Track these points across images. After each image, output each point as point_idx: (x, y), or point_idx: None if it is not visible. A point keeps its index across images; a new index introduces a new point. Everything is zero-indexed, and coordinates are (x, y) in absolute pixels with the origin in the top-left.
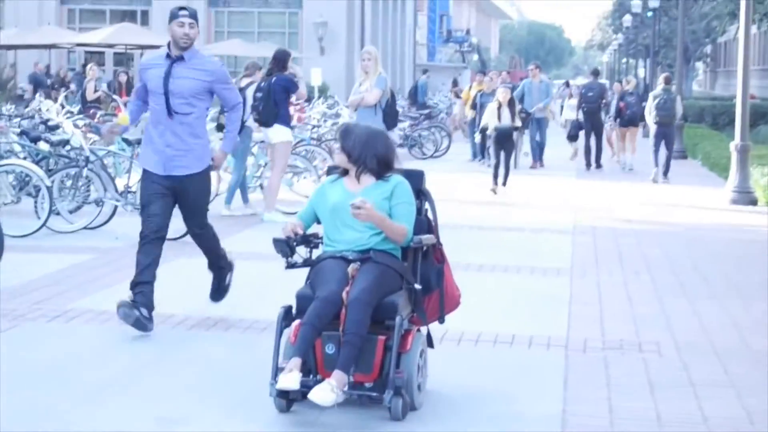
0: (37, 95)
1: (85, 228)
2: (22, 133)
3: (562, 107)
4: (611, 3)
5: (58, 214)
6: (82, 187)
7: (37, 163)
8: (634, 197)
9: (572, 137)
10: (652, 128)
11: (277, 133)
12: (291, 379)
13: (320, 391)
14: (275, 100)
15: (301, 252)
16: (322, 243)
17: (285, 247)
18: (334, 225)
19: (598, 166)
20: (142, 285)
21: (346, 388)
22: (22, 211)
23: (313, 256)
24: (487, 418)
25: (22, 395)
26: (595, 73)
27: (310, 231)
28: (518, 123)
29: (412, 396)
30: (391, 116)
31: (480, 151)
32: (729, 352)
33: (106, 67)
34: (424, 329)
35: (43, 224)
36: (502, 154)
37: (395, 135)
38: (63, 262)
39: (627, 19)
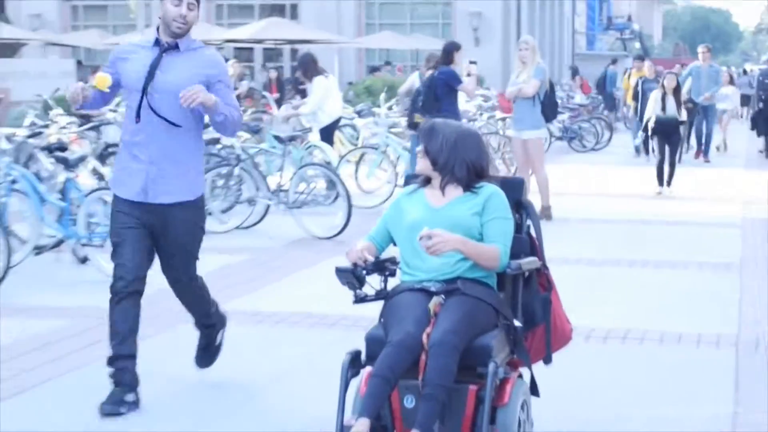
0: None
1: (237, 228)
2: None
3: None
4: None
5: (210, 214)
6: (234, 187)
7: None
8: None
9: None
10: None
11: None
12: None
13: None
14: (436, 94)
15: (374, 282)
16: (399, 269)
17: (351, 277)
18: (412, 248)
19: None
20: (124, 360)
21: None
22: None
23: (389, 287)
24: (651, 418)
25: (175, 396)
26: None
27: (384, 255)
28: (684, 116)
29: None
30: (550, 108)
31: (644, 148)
32: None
33: (255, 63)
34: (526, 375)
35: None
36: (667, 150)
37: (554, 127)
38: (217, 262)
39: None
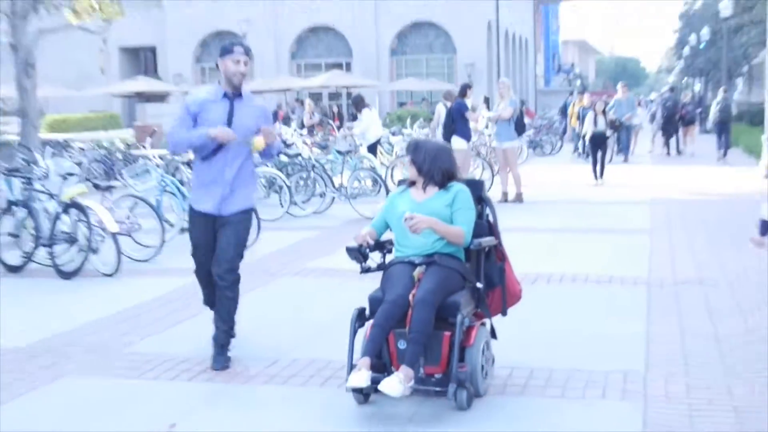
0: (277, 124)
1: (313, 213)
2: None
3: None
4: (674, 39)
5: (295, 204)
6: (311, 184)
7: (279, 169)
8: (696, 176)
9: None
10: (714, 124)
11: (456, 143)
12: (359, 378)
13: (389, 383)
14: (453, 118)
15: (376, 257)
16: (393, 248)
17: (357, 254)
18: (402, 232)
19: (678, 152)
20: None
21: (413, 382)
22: (270, 203)
23: (387, 261)
24: (584, 338)
25: (270, 328)
26: (672, 89)
27: (384, 238)
28: (608, 132)
29: (477, 385)
30: (520, 126)
31: (583, 151)
32: None
33: (323, 101)
34: (488, 323)
35: (286, 211)
36: (599, 154)
37: (523, 141)
38: (299, 236)
39: (686, 51)
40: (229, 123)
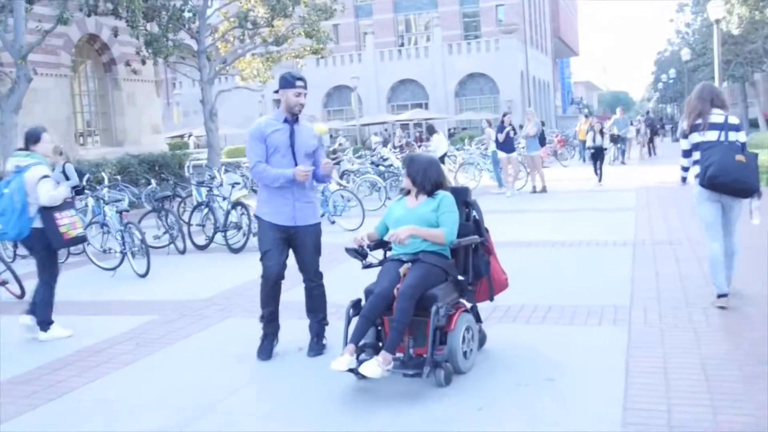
0: (375, 144)
1: None
2: (372, 163)
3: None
4: (652, 77)
5: (389, 198)
6: (399, 186)
7: (379, 176)
8: (667, 171)
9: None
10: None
11: (499, 153)
12: (340, 362)
13: (368, 366)
14: (496, 137)
15: (378, 255)
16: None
17: (355, 253)
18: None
19: (654, 154)
20: (271, 322)
21: (391, 366)
22: (372, 199)
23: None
24: (586, 283)
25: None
26: (647, 113)
27: (387, 238)
28: (606, 144)
29: (456, 364)
30: (542, 141)
31: (586, 160)
32: None
33: (409, 130)
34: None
35: (383, 204)
36: (598, 163)
37: (545, 151)
38: None
39: (660, 85)
40: (292, 142)
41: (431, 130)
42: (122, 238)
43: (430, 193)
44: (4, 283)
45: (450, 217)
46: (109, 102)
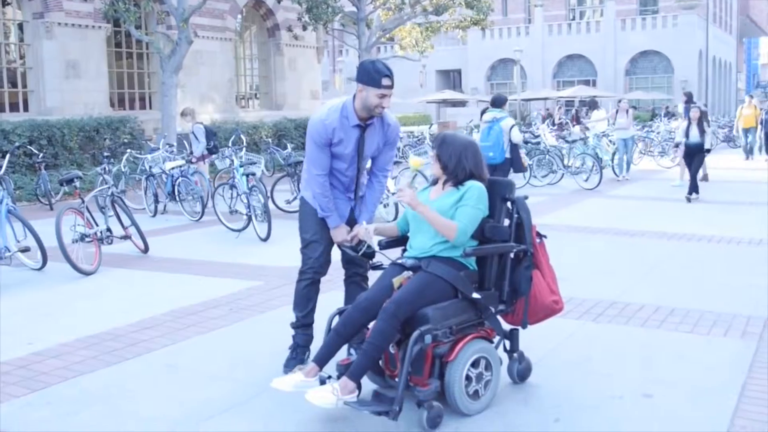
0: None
1: (548, 184)
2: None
3: None
4: None
5: (534, 177)
6: (546, 164)
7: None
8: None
9: None
10: None
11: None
12: (283, 382)
13: (318, 392)
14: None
15: (391, 254)
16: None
17: (349, 255)
18: (411, 230)
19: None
20: (305, 327)
21: (353, 396)
22: (516, 176)
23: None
24: (715, 290)
25: None
26: None
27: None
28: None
29: (454, 403)
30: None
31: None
32: None
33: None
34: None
35: (527, 182)
36: None
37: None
38: (534, 200)
39: None
40: (359, 152)
41: (593, 105)
42: (247, 200)
43: (461, 183)
44: (127, 237)
45: (467, 212)
46: (271, 66)
